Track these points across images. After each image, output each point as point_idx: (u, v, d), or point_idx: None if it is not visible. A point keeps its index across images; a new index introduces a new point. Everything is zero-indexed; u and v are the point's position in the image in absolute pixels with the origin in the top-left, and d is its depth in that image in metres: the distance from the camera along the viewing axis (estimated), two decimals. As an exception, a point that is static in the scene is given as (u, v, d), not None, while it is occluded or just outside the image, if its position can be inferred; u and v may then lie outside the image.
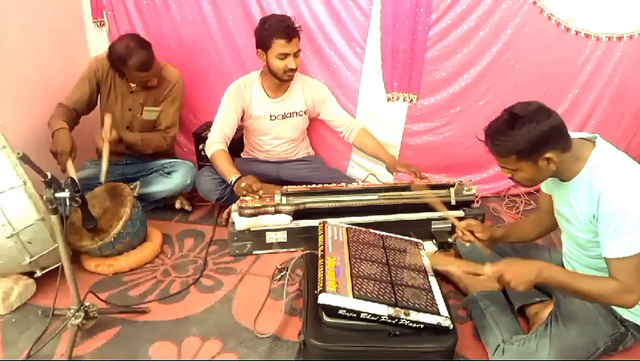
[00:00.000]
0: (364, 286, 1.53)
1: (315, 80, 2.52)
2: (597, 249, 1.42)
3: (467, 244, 1.78)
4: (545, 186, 1.65)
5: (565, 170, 1.42)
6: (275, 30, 2.17)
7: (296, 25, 2.23)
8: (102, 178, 2.20)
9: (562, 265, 1.68)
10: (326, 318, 1.49)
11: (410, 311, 1.46)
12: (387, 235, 1.91)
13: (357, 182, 2.49)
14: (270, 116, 2.42)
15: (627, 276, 1.32)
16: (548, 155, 1.35)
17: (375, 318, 1.46)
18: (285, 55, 2.22)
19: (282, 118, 2.44)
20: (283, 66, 2.24)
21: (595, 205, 1.34)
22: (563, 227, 1.58)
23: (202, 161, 2.59)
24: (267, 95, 2.40)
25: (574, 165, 1.41)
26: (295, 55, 2.24)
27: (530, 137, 1.32)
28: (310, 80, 2.49)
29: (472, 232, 1.72)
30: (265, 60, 2.27)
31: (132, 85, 2.32)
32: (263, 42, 2.23)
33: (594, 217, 1.37)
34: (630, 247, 1.31)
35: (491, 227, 1.79)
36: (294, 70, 2.27)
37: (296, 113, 2.46)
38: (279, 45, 2.19)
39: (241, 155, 2.64)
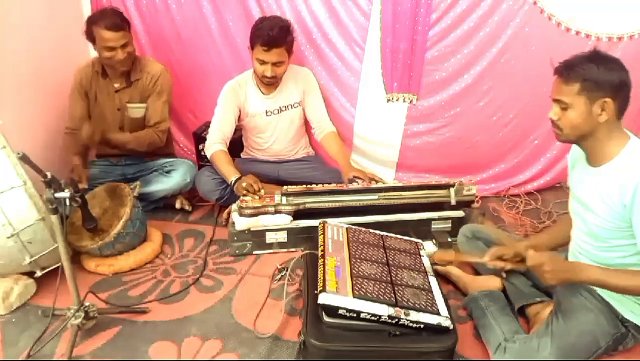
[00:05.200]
0: (364, 286, 1.53)
1: (306, 69, 2.50)
2: (613, 240, 1.44)
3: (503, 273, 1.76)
4: (571, 171, 1.65)
5: (598, 152, 1.44)
6: (259, 35, 2.18)
7: (289, 37, 2.22)
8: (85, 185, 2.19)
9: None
10: (326, 318, 1.49)
11: (410, 311, 1.46)
12: (387, 235, 1.91)
13: (357, 182, 2.48)
14: (266, 112, 2.43)
15: None
16: (607, 99, 1.36)
17: (375, 318, 1.46)
18: (263, 62, 2.23)
19: (278, 112, 2.45)
20: (261, 70, 2.26)
21: (630, 195, 1.34)
22: (579, 216, 1.56)
23: (202, 161, 2.59)
24: (261, 92, 2.41)
25: (608, 149, 1.42)
26: (276, 65, 2.24)
27: (603, 75, 1.35)
28: (300, 70, 2.48)
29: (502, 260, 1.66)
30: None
31: (117, 84, 2.31)
32: (250, 42, 2.26)
33: (624, 207, 1.37)
34: None
35: (516, 240, 1.77)
36: (269, 78, 2.27)
37: (291, 105, 2.46)
38: (259, 51, 2.22)
39: (241, 155, 2.64)
